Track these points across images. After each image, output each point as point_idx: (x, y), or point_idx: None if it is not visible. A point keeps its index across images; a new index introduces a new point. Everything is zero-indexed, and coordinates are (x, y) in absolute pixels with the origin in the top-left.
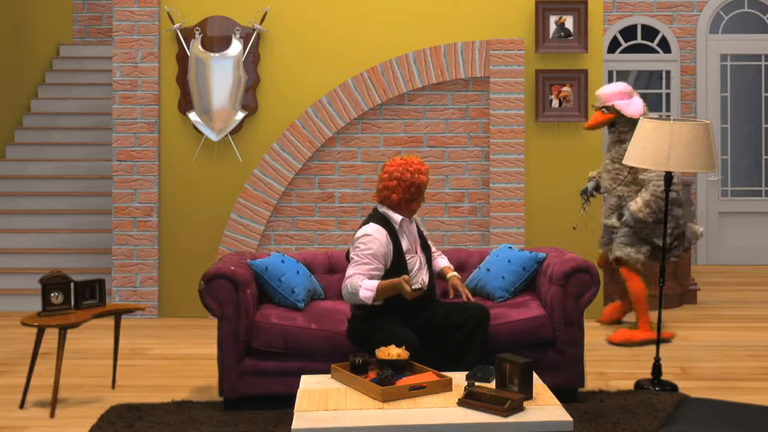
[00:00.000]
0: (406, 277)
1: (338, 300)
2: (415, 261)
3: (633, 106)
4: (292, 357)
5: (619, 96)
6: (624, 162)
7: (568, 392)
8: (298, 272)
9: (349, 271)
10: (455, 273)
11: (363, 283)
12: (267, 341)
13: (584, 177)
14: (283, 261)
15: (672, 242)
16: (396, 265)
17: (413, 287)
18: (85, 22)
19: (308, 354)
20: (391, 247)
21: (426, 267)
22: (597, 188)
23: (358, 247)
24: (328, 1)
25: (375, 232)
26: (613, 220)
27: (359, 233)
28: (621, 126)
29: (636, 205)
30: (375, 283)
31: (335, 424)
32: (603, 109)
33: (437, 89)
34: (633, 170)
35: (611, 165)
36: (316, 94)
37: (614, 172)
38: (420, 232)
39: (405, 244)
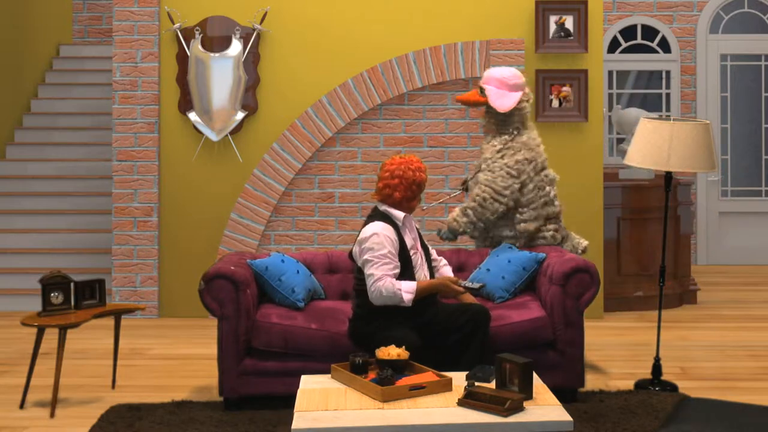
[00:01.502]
0: (453, 278)
1: (338, 300)
2: (417, 257)
3: (504, 99)
4: (292, 357)
5: (498, 83)
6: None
7: (568, 392)
8: (298, 272)
9: (373, 272)
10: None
11: (402, 285)
12: (267, 341)
13: (585, 176)
14: (283, 261)
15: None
16: (402, 261)
17: (468, 285)
18: (85, 22)
19: (308, 354)
20: (397, 243)
21: (426, 264)
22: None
23: (371, 248)
24: (328, 1)
25: (382, 230)
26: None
27: (367, 233)
28: (489, 117)
29: (452, 214)
30: (413, 284)
31: (335, 424)
32: (480, 89)
33: (437, 89)
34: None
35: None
36: (316, 94)
37: (476, 167)
38: (417, 230)
39: (409, 241)
